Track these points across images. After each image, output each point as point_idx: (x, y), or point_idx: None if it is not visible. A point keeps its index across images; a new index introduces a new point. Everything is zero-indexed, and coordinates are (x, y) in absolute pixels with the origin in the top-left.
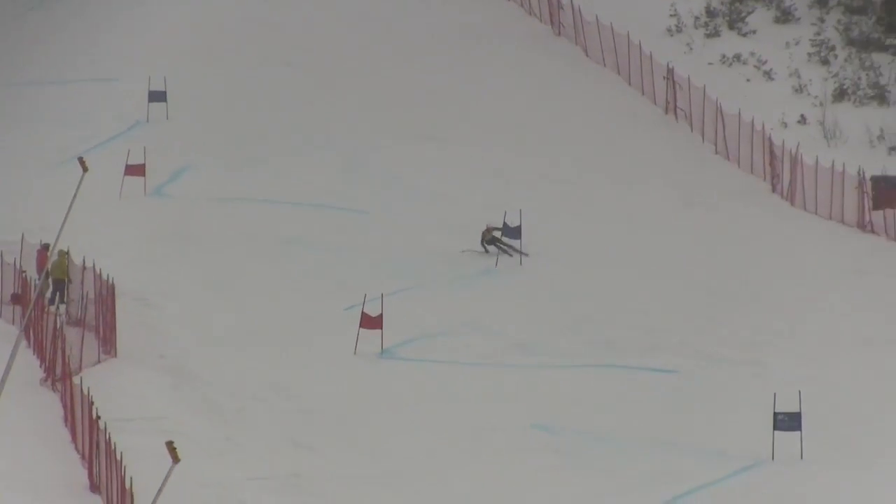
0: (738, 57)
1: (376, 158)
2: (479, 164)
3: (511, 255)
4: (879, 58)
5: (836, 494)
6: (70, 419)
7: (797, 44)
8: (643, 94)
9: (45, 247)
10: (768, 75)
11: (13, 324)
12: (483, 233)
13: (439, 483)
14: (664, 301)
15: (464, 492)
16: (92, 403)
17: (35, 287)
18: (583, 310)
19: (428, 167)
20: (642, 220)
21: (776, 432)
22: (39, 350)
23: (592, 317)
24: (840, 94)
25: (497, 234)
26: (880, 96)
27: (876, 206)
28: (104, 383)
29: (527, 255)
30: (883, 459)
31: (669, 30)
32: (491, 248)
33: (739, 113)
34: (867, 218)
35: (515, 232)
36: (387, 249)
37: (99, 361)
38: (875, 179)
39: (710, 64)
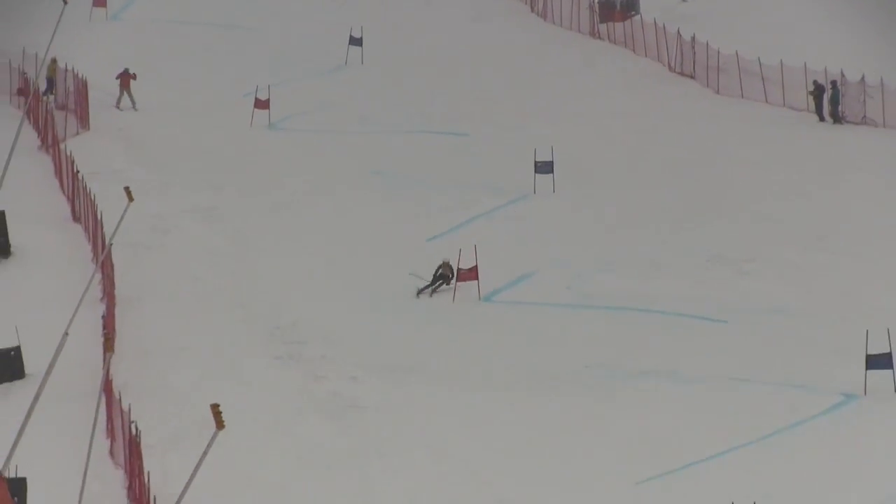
0: None
1: None
2: None
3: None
4: None
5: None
6: (58, 172)
7: None
8: None
9: (125, 71)
10: None
11: (19, 109)
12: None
13: (304, 210)
14: (458, 86)
15: (321, 215)
16: (73, 161)
17: (33, 83)
18: (406, 91)
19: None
20: (440, 32)
21: (537, 175)
22: (36, 126)
23: (412, 97)
24: None
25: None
26: None
27: (601, 21)
28: (81, 148)
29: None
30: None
31: None
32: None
33: None
34: (596, 28)
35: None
36: (270, 54)
37: (77, 133)
38: (600, 3)
39: None
